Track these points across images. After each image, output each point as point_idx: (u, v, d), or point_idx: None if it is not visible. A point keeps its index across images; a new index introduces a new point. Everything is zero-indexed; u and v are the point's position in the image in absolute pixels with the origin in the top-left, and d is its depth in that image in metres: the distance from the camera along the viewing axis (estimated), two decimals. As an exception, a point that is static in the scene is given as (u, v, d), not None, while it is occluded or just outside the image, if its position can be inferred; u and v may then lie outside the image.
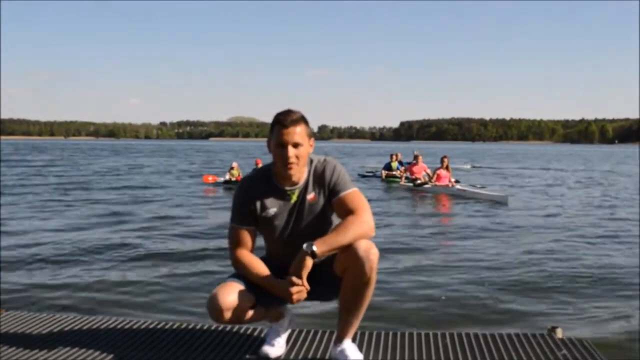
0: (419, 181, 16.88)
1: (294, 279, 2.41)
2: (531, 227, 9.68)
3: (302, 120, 2.55)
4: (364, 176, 21.82)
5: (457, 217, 11.25)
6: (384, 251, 7.10)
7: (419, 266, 6.60)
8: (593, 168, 34.06)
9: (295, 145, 2.51)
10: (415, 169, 17.65)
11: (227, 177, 17.27)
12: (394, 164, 19.95)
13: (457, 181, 16.21)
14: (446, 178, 15.90)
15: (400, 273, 6.21)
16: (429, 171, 17.27)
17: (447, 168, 16.14)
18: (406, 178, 17.94)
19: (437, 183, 15.90)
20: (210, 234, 8.59)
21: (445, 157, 16.47)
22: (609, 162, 43.53)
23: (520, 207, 12.78)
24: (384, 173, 19.94)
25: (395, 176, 19.19)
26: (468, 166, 33.65)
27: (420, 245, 8.02)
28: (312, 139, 2.62)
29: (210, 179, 17.97)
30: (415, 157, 18.07)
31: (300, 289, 2.42)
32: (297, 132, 2.51)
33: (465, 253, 7.41)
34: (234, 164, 17.90)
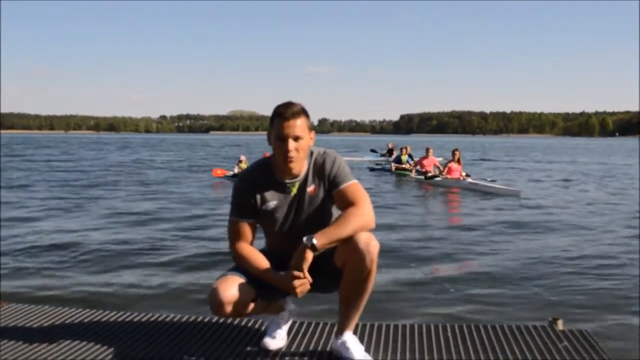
0: (429, 174, 16.83)
1: (295, 272, 2.40)
2: (539, 220, 9.66)
3: (303, 112, 2.53)
4: (373, 169, 21.61)
5: (466, 210, 11.22)
6: (391, 243, 7.19)
7: (423, 258, 6.61)
8: (599, 161, 34.05)
9: (296, 139, 2.49)
10: (425, 162, 17.56)
11: (236, 170, 17.30)
12: (404, 157, 19.85)
13: (467, 174, 16.15)
14: (457, 171, 15.82)
15: (404, 265, 6.22)
16: (439, 164, 17.22)
17: (458, 161, 16.04)
18: (417, 171, 17.82)
19: (448, 176, 15.82)
20: (215, 227, 8.57)
21: (456, 150, 16.33)
22: (614, 155, 43.46)
23: (531, 200, 12.68)
24: (393, 166, 19.83)
25: (405, 169, 19.11)
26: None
27: (426, 237, 8.03)
28: (313, 132, 2.60)
29: (220, 172, 18.01)
30: (426, 150, 17.96)
31: (303, 281, 2.41)
32: (298, 125, 2.49)
33: (470, 245, 7.43)
34: (242, 157, 17.89)
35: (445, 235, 8.33)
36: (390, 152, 28.23)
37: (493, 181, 15.67)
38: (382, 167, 21.82)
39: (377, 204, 11.46)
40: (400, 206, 11.47)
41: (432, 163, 17.46)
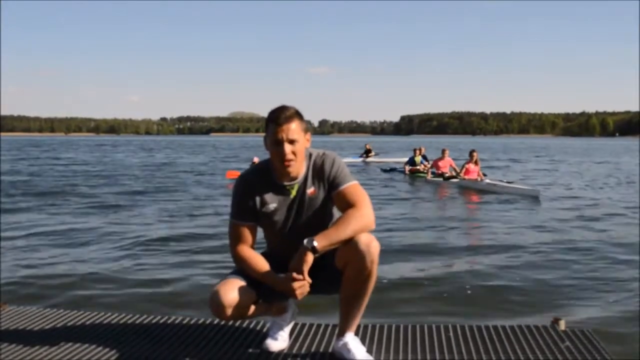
0: (447, 175, 16.69)
1: (295, 274, 2.41)
2: (552, 218, 9.67)
3: (296, 115, 2.53)
4: (386, 171, 21.51)
5: (481, 211, 11.21)
6: (397, 243, 7.18)
7: (425, 258, 6.60)
8: (611, 160, 34.01)
9: (291, 142, 2.50)
10: (441, 163, 17.43)
11: None
12: (418, 159, 19.63)
13: (485, 174, 16.05)
14: (475, 172, 15.70)
15: (407, 264, 6.22)
16: (455, 165, 17.16)
17: (476, 162, 15.90)
18: (432, 172, 17.62)
19: (465, 177, 15.72)
20: (220, 229, 8.52)
21: (474, 151, 16.22)
22: (622, 155, 43.46)
23: (548, 201, 12.59)
24: (407, 168, 19.64)
25: (419, 171, 18.92)
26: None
27: (432, 237, 8.02)
28: (309, 134, 2.60)
29: (234, 174, 18.08)
30: (442, 152, 17.82)
31: (302, 284, 2.42)
32: (292, 129, 2.49)
33: (475, 245, 7.45)
34: (256, 159, 17.92)
35: (451, 235, 8.30)
36: (367, 152, 29.20)
37: (510, 182, 15.44)
38: (395, 169, 21.69)
39: (391, 204, 11.45)
40: (414, 206, 11.47)
41: (447, 164, 17.30)
